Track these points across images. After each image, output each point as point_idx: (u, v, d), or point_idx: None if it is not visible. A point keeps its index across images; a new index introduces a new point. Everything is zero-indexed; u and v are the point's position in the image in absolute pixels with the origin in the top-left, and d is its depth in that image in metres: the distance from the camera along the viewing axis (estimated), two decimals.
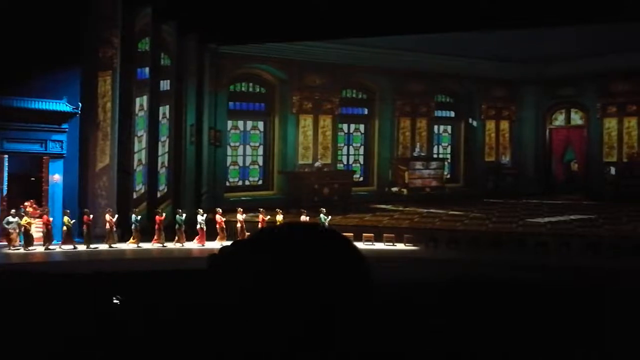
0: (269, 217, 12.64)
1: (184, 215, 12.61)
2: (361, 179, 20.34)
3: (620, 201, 18.13)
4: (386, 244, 11.98)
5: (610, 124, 20.18)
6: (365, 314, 0.82)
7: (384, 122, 20.31)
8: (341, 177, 18.32)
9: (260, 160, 18.71)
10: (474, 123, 22.09)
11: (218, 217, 12.74)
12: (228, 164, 18.05)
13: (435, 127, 21.65)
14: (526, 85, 22.22)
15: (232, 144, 18.22)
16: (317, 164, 18.07)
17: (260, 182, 18.64)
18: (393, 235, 12.27)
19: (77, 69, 12.63)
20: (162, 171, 15.05)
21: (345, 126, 20.22)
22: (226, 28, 14.40)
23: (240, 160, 18.46)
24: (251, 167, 18.63)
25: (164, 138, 15.00)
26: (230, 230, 12.54)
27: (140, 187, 14.19)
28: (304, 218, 12.43)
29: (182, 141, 15.32)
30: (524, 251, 11.00)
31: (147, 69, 13.86)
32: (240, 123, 18.49)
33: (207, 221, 12.75)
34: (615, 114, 20.05)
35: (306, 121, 18.52)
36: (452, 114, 22.49)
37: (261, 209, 13.09)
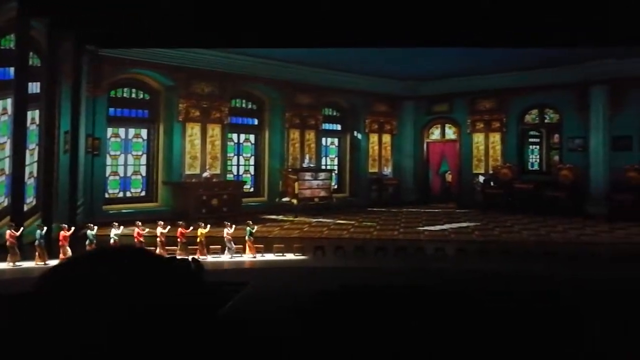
0: (190, 229, 12.07)
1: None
2: (252, 189, 20.23)
3: (486, 209, 20.12)
4: (276, 254, 11.97)
5: (479, 138, 22.28)
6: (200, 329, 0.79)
7: (274, 133, 20.44)
8: (231, 188, 18.00)
9: (143, 170, 17.76)
10: (359, 136, 23.12)
11: (137, 231, 11.92)
12: (107, 174, 16.89)
13: (323, 139, 22.29)
14: (406, 101, 23.81)
15: (111, 153, 17.10)
16: (205, 174, 17.59)
17: (143, 194, 17.68)
18: (283, 245, 12.29)
19: None
20: (30, 182, 13.62)
21: (235, 136, 20.00)
22: (107, 29, 13.52)
23: (121, 170, 17.38)
24: (133, 177, 17.61)
25: (32, 145, 13.60)
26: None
27: (1, 200, 12.71)
28: (227, 230, 11.99)
29: (55, 149, 14.01)
30: (405, 257, 11.62)
31: (11, 69, 12.51)
32: (122, 130, 17.44)
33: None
34: (482, 130, 22.18)
35: (193, 130, 17.99)
36: (339, 127, 23.34)
37: (181, 222, 12.44)
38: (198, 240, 11.82)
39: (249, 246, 11.94)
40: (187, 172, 17.67)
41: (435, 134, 24.11)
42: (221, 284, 8.98)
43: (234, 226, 12.12)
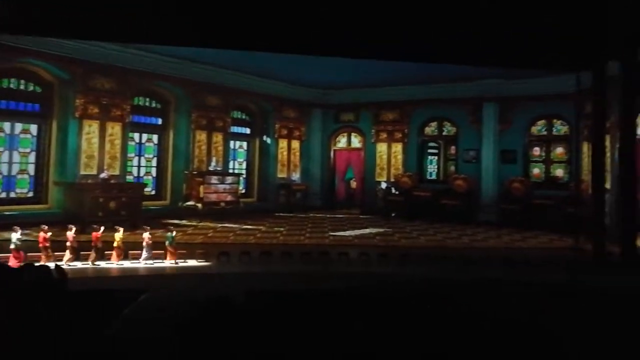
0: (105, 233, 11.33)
1: None
2: (153, 192, 19.38)
3: (387, 215, 21.02)
4: (177, 260, 11.53)
5: (382, 148, 23.23)
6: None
7: (180, 134, 19.77)
8: (130, 190, 17.06)
9: (31, 169, 16.30)
10: (268, 141, 23.09)
11: (42, 235, 10.80)
12: None
13: (232, 142, 21.97)
14: (315, 108, 24.25)
15: None
16: (102, 175, 16.53)
17: (30, 195, 16.22)
18: (185, 251, 11.87)
19: None
20: None
21: (136, 135, 19.07)
22: None
23: (4, 169, 15.81)
24: (19, 176, 16.09)
25: None
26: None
27: None
28: (146, 235, 11.42)
29: None
30: (310, 261, 11.74)
31: None
32: (7, 125, 15.90)
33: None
34: (385, 140, 23.14)
35: (91, 127, 16.85)
36: (248, 130, 23.15)
37: (95, 226, 11.50)
38: (115, 245, 11.20)
39: (170, 252, 11.52)
40: (83, 172, 16.49)
41: (342, 142, 24.77)
42: (116, 292, 8.47)
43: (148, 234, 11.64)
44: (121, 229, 11.46)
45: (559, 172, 20.35)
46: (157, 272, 10.87)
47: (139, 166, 19.23)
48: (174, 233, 11.80)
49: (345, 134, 24.61)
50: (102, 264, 10.99)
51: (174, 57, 17.81)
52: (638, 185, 13.18)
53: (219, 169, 20.34)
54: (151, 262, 11.29)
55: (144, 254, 11.38)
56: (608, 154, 14.43)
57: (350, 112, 24.04)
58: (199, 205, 18.73)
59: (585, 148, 17.01)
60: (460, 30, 11.11)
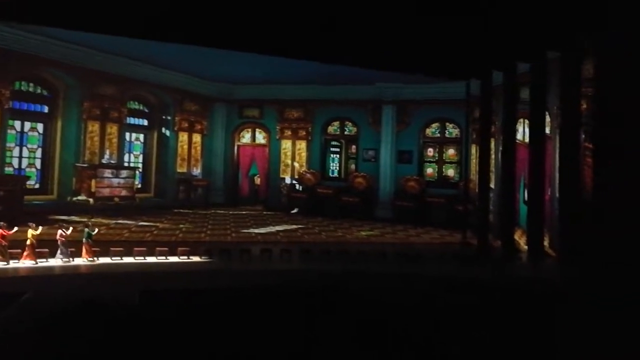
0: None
1: None
2: (37, 186, 17.80)
3: (289, 211, 21.22)
4: (65, 260, 10.70)
5: (286, 145, 23.37)
6: None
7: (69, 124, 18.35)
8: (9, 183, 15.49)
9: None
10: (167, 133, 22.19)
11: None
12: None
13: (127, 134, 20.80)
14: (218, 102, 23.74)
15: None
16: None
17: None
18: (73, 249, 11.05)
19: None
20: None
21: (18, 123, 17.42)
22: None
23: None
24: None
25: None
26: None
27: None
28: (62, 232, 10.80)
29: None
30: (211, 259, 11.51)
31: None
32: None
33: None
34: (290, 137, 23.31)
35: None
36: (145, 122, 22.07)
37: (2, 223, 10.57)
38: (28, 242, 10.41)
39: (86, 249, 10.91)
40: None
41: (246, 137, 24.52)
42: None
43: (70, 228, 11.14)
44: (33, 224, 10.64)
45: (451, 172, 21.81)
46: (47, 272, 10.04)
47: (20, 157, 17.55)
48: (95, 230, 11.23)
49: (250, 130, 24.39)
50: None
51: (64, 41, 16.44)
52: (517, 184, 14.51)
53: (112, 162, 19.17)
54: (68, 259, 10.62)
55: (59, 251, 10.65)
56: (493, 156, 15.75)
57: (255, 108, 23.86)
58: (91, 200, 17.55)
59: (474, 150, 18.41)
60: (363, 35, 11.50)
